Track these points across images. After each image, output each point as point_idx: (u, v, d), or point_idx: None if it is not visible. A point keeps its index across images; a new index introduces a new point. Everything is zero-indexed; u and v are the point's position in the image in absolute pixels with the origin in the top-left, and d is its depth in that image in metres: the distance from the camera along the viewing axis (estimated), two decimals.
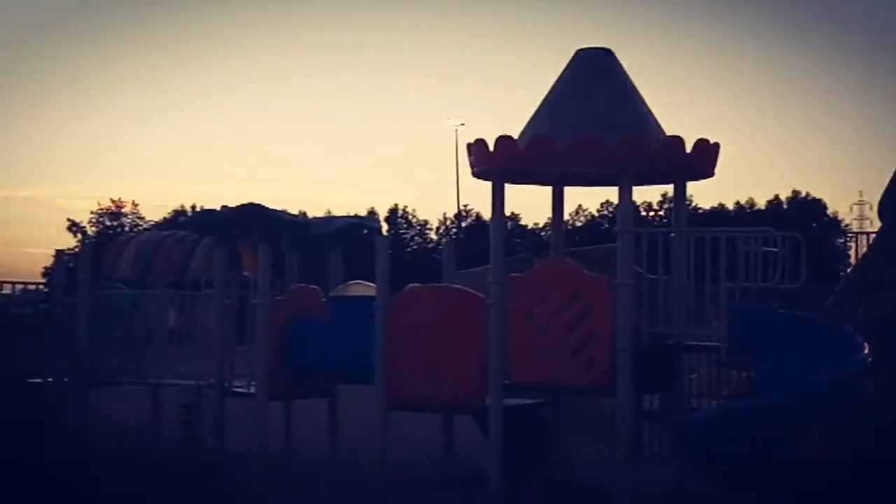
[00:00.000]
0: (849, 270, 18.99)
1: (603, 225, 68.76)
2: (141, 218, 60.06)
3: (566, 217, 11.66)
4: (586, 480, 10.21)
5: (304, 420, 12.92)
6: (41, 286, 14.56)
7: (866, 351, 8.45)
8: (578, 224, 69.43)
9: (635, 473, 9.23)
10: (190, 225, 13.17)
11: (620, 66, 10.03)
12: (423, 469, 10.92)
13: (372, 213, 52.72)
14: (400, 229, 72.28)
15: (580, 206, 70.67)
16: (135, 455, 11.74)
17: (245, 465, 10.75)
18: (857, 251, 16.27)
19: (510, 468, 9.74)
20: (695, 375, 14.58)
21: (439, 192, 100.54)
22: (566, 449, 10.84)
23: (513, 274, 9.66)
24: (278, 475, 10.48)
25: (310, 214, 12.36)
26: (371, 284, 10.53)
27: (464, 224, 67.32)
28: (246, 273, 11.81)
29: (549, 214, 10.90)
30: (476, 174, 10.01)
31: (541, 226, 66.22)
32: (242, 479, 10.26)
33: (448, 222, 69.49)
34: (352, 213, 12.78)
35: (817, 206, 73.05)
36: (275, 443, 11.33)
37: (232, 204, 11.93)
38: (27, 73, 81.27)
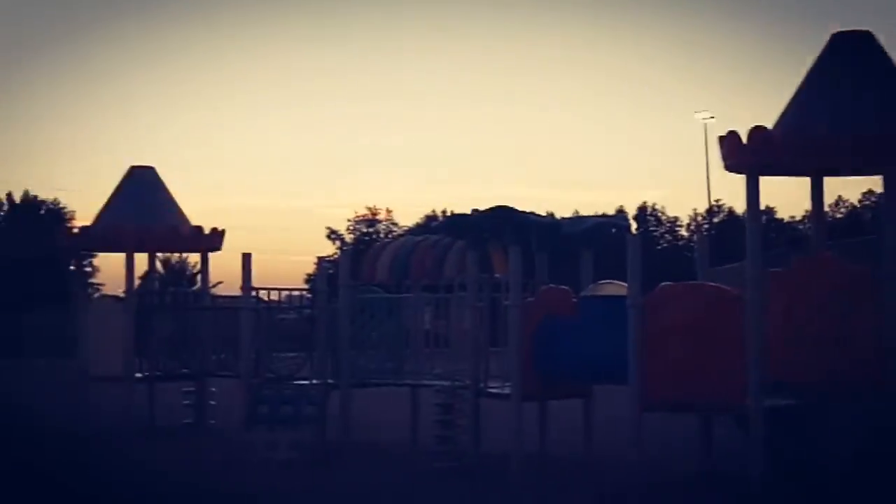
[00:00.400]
0: None
1: (866, 216, 65.52)
2: (395, 224, 61.87)
3: (826, 208, 11.16)
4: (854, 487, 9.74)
5: (559, 421, 12.94)
6: (305, 292, 15.22)
7: None
8: (839, 216, 66.49)
9: None
10: (442, 229, 13.45)
11: (881, 48, 9.52)
12: (680, 470, 10.71)
13: (621, 212, 52.34)
14: (649, 227, 71.41)
15: (839, 196, 67.65)
16: (396, 452, 12.12)
17: (500, 466, 10.87)
18: None
19: (773, 472, 9.43)
20: None
21: (689, 187, 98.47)
22: (829, 452, 10.37)
23: (771, 269, 9.36)
24: (533, 476, 10.53)
25: (558, 215, 12.35)
26: (622, 283, 10.43)
27: (715, 220, 65.76)
28: (497, 275, 11.95)
29: (808, 206, 10.49)
30: (728, 167, 9.73)
31: (798, 218, 63.79)
32: (498, 479, 10.37)
33: (699, 218, 68.05)
34: (600, 213, 12.73)
35: None
36: (529, 444, 11.40)
37: (481, 207, 12.10)
38: (281, 83, 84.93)
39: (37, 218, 48.80)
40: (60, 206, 50.34)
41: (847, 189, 73.60)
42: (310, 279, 46.17)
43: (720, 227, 65.24)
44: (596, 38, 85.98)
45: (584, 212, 39.07)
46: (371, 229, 61.98)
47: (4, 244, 47.10)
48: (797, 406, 10.14)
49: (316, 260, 17.04)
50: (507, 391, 11.00)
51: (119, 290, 15.94)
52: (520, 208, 12.18)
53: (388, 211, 63.48)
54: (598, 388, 11.75)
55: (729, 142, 9.48)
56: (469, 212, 12.56)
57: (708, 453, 10.44)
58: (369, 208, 63.12)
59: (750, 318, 9.12)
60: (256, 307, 13.57)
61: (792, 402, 10.07)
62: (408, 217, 73.09)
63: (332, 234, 60.66)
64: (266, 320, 13.68)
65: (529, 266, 11.85)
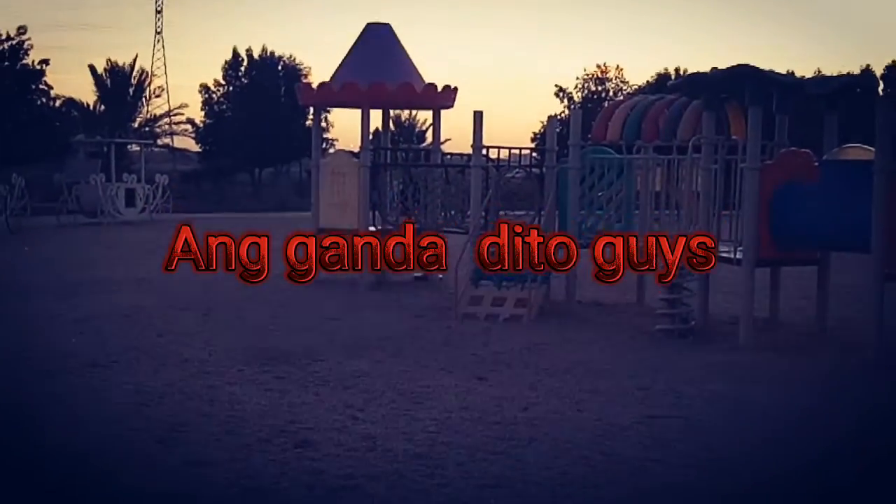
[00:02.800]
0: None
1: None
2: (625, 82, 60.61)
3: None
4: None
5: (791, 288, 12.62)
6: (533, 151, 15.17)
7: None
8: None
9: None
10: (678, 88, 13.04)
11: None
12: None
13: (867, 71, 49.46)
14: None
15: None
16: (621, 313, 12.13)
17: (728, 330, 10.71)
18: None
19: None
20: None
21: None
22: None
23: None
24: (761, 339, 10.33)
25: (799, 74, 11.74)
26: (868, 148, 9.91)
27: None
28: (734, 137, 11.56)
29: None
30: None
31: None
32: (725, 342, 10.24)
33: None
34: (845, 72, 11.96)
35: None
36: (760, 309, 11.16)
37: (720, 66, 11.64)
38: None
39: (274, 73, 50.27)
40: (297, 62, 51.69)
41: None
42: (537, 138, 46.03)
43: None
44: None
45: (827, 72, 37.17)
46: (601, 87, 60.99)
47: (245, 100, 48.89)
48: None
49: (545, 119, 16.88)
50: (738, 256, 10.74)
51: (353, 145, 16.35)
52: (761, 67, 11.65)
53: (619, 69, 62.16)
54: (834, 255, 11.36)
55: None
56: (707, 70, 12.11)
57: None
58: (599, 66, 62.00)
59: None
60: (486, 165, 13.65)
61: None
62: (638, 75, 71.43)
63: (561, 92, 60.04)
64: (495, 179, 13.77)
65: (769, 128, 11.40)
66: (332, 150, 36.39)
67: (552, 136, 13.79)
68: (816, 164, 10.66)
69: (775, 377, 8.64)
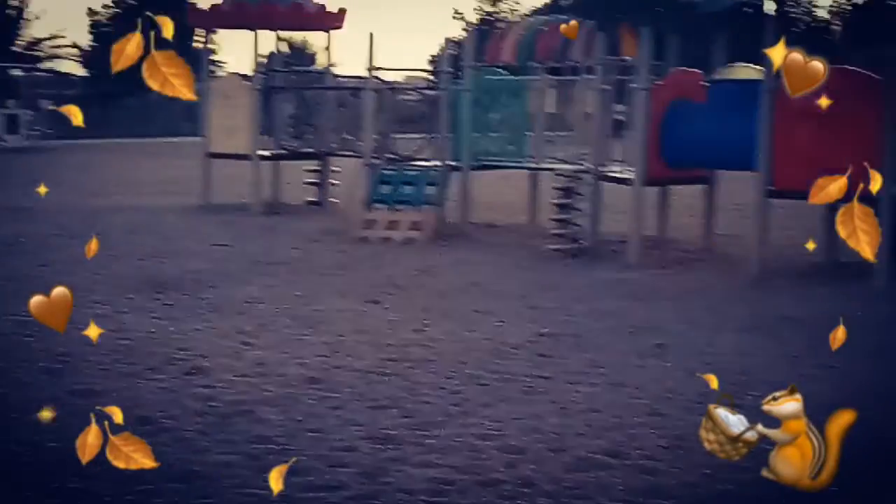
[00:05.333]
0: None
1: None
2: (518, 3, 60.43)
3: None
4: None
5: (679, 207, 12.83)
6: (429, 74, 15.09)
7: None
8: None
9: None
10: (571, 10, 13.06)
11: None
12: (803, 256, 10.58)
13: None
14: (787, 7, 68.39)
15: None
16: (513, 233, 12.22)
17: (618, 249, 10.88)
18: None
19: None
20: None
21: None
22: None
23: None
24: (650, 257, 10.53)
25: None
26: (757, 67, 10.07)
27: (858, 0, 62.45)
28: (627, 58, 11.63)
29: None
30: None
31: None
32: (614, 257, 10.42)
33: None
34: None
35: None
36: (649, 228, 11.35)
37: None
38: None
39: None
40: None
41: None
42: (434, 61, 45.82)
43: (862, 8, 62.08)
44: None
45: None
46: (495, 9, 60.74)
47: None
48: None
49: (442, 42, 16.77)
50: (629, 175, 10.88)
51: (243, 68, 16.05)
52: None
53: None
54: (722, 174, 11.58)
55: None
56: None
57: (833, 244, 10.24)
58: None
59: (889, 103, 8.75)
60: (380, 87, 13.53)
61: None
62: None
63: (458, 15, 59.65)
64: (389, 101, 13.67)
65: (660, 48, 11.49)
66: (221, 74, 35.69)
67: (447, 59, 13.71)
68: (706, 83, 10.79)
69: (662, 293, 8.82)
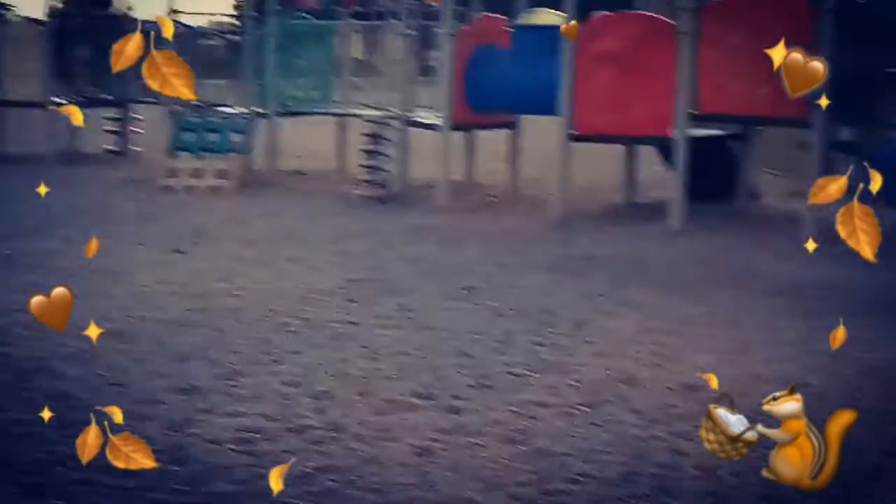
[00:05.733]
0: None
1: None
2: None
3: None
4: (772, 212, 10.01)
5: (486, 152, 13.02)
6: (232, 18, 14.77)
7: None
8: None
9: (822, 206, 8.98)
10: None
11: None
12: (604, 199, 10.91)
13: None
14: None
15: None
16: (323, 181, 12.13)
17: (427, 194, 10.96)
18: None
19: (694, 199, 9.64)
20: None
21: None
22: (753, 180, 10.61)
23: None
24: (458, 202, 10.66)
25: None
26: (559, 13, 10.24)
27: None
28: (431, 3, 11.64)
29: None
30: None
31: None
32: (422, 202, 10.50)
33: None
34: None
35: None
36: (456, 173, 11.47)
37: None
38: None
39: None
40: None
41: None
42: (238, 5, 44.93)
43: None
44: None
45: None
46: None
47: None
48: (721, 136, 10.29)
49: None
50: (436, 121, 10.94)
51: (35, 11, 15.33)
52: None
53: None
54: (528, 119, 11.78)
55: None
56: None
57: (631, 187, 10.60)
58: None
59: (683, 48, 9.06)
60: (180, 32, 13.15)
61: (717, 132, 10.21)
62: None
63: None
64: (191, 46, 13.30)
65: None
66: (13, 18, 33.94)
67: (251, 3, 13.43)
68: (509, 29, 10.92)
69: (470, 237, 8.94)
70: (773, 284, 7.14)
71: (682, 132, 9.19)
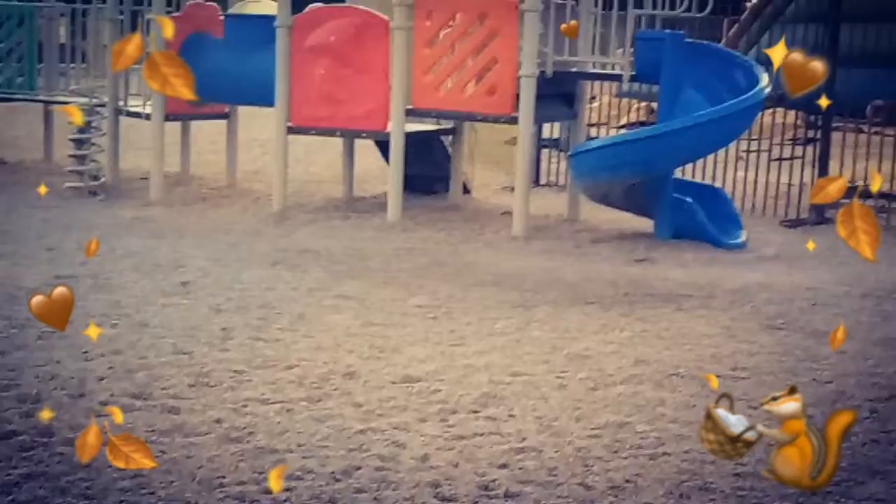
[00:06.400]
0: (753, 1, 18.98)
1: None
2: None
3: None
4: (485, 206, 10.36)
5: (203, 142, 12.78)
6: None
7: (765, 83, 8.59)
8: None
9: (533, 200, 9.40)
10: None
11: None
12: (325, 192, 10.95)
13: None
14: None
15: None
16: (28, 171, 11.54)
17: (140, 185, 10.65)
18: None
19: (411, 192, 9.83)
20: (596, 104, 14.71)
21: None
22: (467, 175, 10.94)
23: None
24: (173, 195, 10.43)
25: None
26: (272, 3, 10.17)
27: None
28: None
29: None
30: None
31: None
32: (136, 195, 10.21)
33: None
34: None
35: None
36: (172, 165, 11.21)
37: None
38: None
39: None
40: None
41: None
42: None
43: None
44: None
45: None
46: None
47: None
48: (435, 131, 10.55)
49: None
50: (147, 110, 10.62)
51: None
52: None
53: None
54: (246, 109, 11.65)
55: None
56: None
57: (349, 177, 10.68)
58: None
59: (396, 43, 9.21)
60: None
61: (430, 128, 10.46)
62: None
63: None
64: None
65: None
66: None
67: None
68: (223, 17, 10.75)
69: (186, 231, 8.76)
70: (486, 275, 7.39)
71: (398, 127, 9.34)
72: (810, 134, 11.62)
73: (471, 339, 5.80)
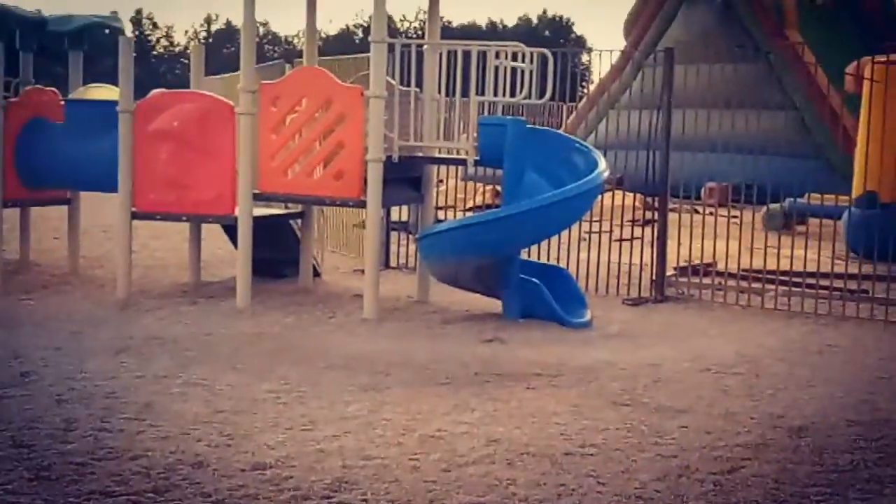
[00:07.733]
0: (591, 88, 19.68)
1: (357, 35, 68.23)
2: None
3: (319, 26, 11.39)
4: (336, 289, 10.35)
5: (43, 229, 12.45)
6: None
7: (603, 167, 8.90)
8: (332, 33, 68.55)
9: (383, 283, 9.44)
10: None
11: None
12: (171, 278, 10.77)
13: (114, 14, 50.13)
14: (145, 31, 69.43)
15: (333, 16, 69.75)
16: None
17: None
18: (599, 70, 16.73)
19: (260, 277, 9.76)
20: (443, 188, 14.95)
21: None
22: (316, 258, 10.93)
23: (264, 81, 9.46)
24: (12, 283, 10.10)
25: (46, 13, 11.56)
26: (114, 88, 10.06)
27: (213, 28, 65.14)
28: None
29: (303, 23, 10.61)
30: None
31: (294, 35, 64.97)
32: None
33: (197, 26, 67.11)
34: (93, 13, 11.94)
35: (566, 25, 75.04)
36: (11, 252, 10.87)
37: None
38: None
39: None
40: None
41: (340, 8, 75.53)
42: None
43: (217, 37, 65.00)
44: None
45: (75, 12, 36.90)
46: None
47: None
48: (283, 215, 10.53)
49: None
50: None
51: None
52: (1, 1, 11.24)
53: None
54: (89, 195, 11.42)
55: None
56: None
57: (196, 263, 10.54)
58: None
59: (242, 128, 9.22)
60: None
61: (278, 212, 10.44)
62: None
63: None
64: None
65: (13, 65, 11.06)
66: None
67: None
68: (63, 102, 10.58)
69: (26, 320, 8.49)
70: (338, 358, 7.36)
71: (245, 211, 9.30)
72: (649, 215, 12.05)
73: (322, 423, 5.75)
